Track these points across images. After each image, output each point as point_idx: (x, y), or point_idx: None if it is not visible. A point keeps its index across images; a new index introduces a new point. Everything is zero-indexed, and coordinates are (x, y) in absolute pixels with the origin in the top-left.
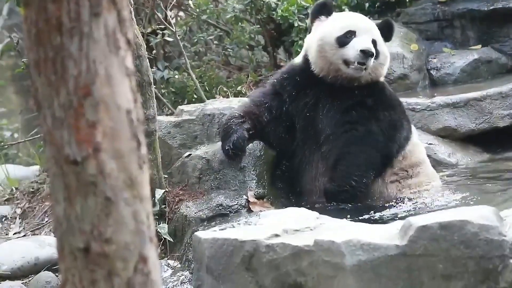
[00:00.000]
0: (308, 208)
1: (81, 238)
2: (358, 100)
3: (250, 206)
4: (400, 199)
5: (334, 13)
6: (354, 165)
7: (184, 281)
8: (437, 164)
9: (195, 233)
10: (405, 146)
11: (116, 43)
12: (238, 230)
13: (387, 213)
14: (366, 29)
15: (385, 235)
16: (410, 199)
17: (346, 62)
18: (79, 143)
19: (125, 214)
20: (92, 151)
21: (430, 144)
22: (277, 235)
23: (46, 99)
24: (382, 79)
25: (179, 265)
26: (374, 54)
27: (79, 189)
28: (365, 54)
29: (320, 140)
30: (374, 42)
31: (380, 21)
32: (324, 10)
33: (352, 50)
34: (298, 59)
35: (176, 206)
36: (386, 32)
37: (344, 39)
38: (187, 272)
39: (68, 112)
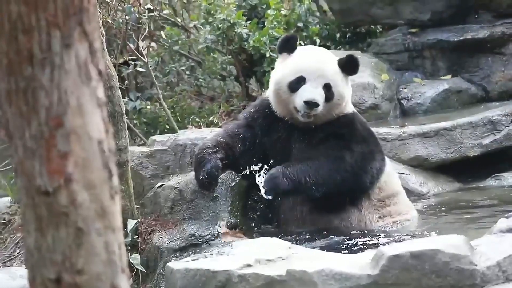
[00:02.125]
0: (283, 238)
1: (52, 269)
2: (331, 132)
3: (222, 237)
4: (377, 228)
5: (297, 49)
6: (315, 168)
7: None
8: (409, 193)
9: (167, 263)
10: (379, 177)
11: (87, 74)
12: (211, 260)
13: (363, 242)
14: (316, 74)
15: (357, 265)
16: (385, 228)
17: (296, 109)
18: (51, 173)
19: (97, 244)
20: (64, 181)
21: (401, 173)
22: (249, 265)
23: (17, 129)
24: (349, 111)
25: None
26: (320, 104)
27: (50, 220)
28: (309, 105)
29: None
30: (327, 86)
31: (348, 52)
32: (287, 46)
33: (298, 99)
34: (268, 93)
35: (149, 237)
36: (350, 67)
37: (295, 85)
38: None
39: (39, 142)
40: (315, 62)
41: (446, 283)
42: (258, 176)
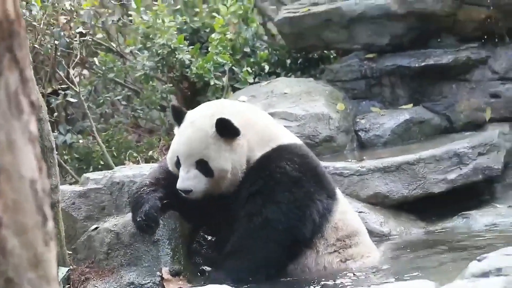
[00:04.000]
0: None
1: None
2: (247, 192)
3: (165, 284)
4: (338, 272)
5: (184, 118)
6: (248, 260)
7: None
8: (369, 234)
9: None
10: (327, 218)
11: (18, 105)
12: None
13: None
14: (185, 154)
15: None
16: (348, 273)
17: None
18: None
19: None
20: None
21: (360, 212)
22: None
23: None
24: (257, 155)
25: None
26: (192, 189)
27: None
28: (183, 192)
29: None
30: (201, 163)
31: (300, 79)
32: (175, 119)
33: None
34: None
35: (82, 286)
36: (226, 131)
37: (177, 165)
38: None
39: None
40: (184, 142)
41: None
42: None
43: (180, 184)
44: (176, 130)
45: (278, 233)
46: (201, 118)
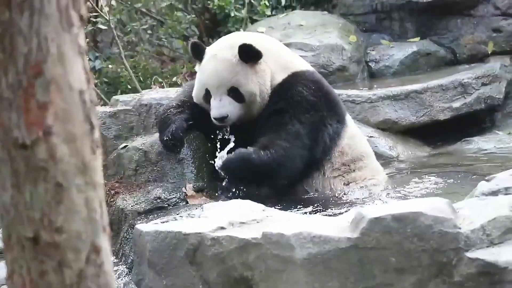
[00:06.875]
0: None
1: (30, 226)
2: (273, 108)
3: (188, 200)
4: (346, 193)
5: (205, 53)
6: (281, 153)
7: (121, 275)
8: (378, 157)
9: (136, 226)
10: (336, 142)
11: (69, 19)
12: (182, 223)
13: (334, 207)
14: (215, 85)
15: (335, 228)
16: (352, 194)
17: None
18: (29, 125)
19: (77, 201)
20: (43, 134)
21: (370, 136)
22: (222, 228)
23: None
24: (278, 80)
25: (115, 260)
26: (228, 115)
27: (28, 175)
28: (218, 120)
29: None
30: (232, 90)
31: (315, 12)
32: (196, 55)
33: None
34: None
35: (112, 199)
36: (249, 56)
37: (207, 98)
38: (124, 266)
39: (17, 92)
40: (211, 74)
41: (429, 246)
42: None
43: (215, 112)
44: (197, 67)
45: (305, 144)
46: (222, 50)
